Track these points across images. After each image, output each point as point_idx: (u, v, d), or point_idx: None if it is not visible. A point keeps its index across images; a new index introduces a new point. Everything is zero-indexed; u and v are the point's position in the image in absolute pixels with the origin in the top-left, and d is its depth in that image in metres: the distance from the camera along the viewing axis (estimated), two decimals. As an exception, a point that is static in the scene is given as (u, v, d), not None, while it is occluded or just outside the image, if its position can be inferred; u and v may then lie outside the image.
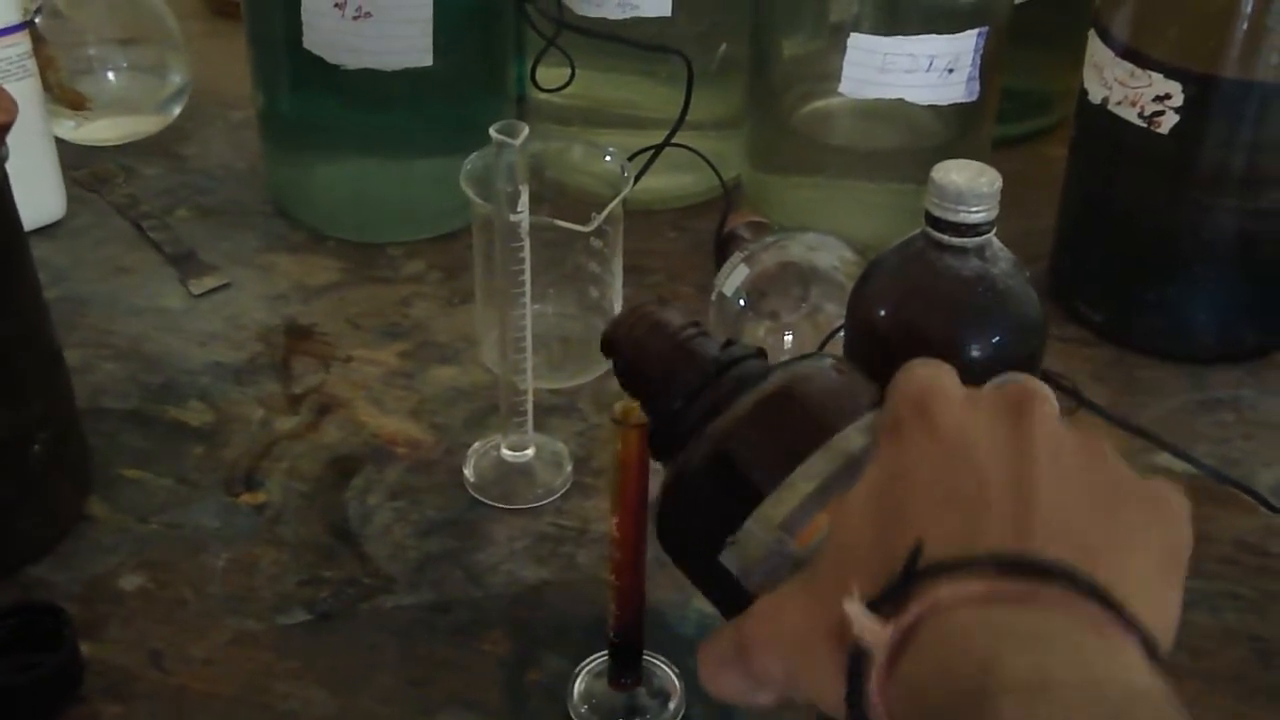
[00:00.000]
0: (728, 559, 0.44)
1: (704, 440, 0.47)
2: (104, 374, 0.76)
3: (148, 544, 0.66)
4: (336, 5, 0.78)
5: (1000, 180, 0.56)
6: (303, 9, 0.79)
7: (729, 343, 0.51)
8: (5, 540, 0.63)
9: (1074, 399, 0.71)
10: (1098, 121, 0.75)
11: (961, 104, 0.80)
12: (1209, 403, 0.76)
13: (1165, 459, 0.70)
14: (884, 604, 0.38)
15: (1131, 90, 0.72)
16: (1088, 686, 0.36)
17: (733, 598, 0.45)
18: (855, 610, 0.38)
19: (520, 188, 0.63)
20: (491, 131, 0.62)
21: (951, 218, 0.56)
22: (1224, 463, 0.72)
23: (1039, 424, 0.43)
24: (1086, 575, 0.38)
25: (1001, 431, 0.42)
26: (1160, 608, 0.41)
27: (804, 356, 0.50)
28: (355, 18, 0.78)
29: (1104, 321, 0.79)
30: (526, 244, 0.64)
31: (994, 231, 0.57)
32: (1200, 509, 0.68)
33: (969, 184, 0.56)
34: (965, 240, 0.56)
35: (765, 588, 0.43)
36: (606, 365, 0.76)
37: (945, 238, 0.57)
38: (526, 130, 0.62)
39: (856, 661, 0.38)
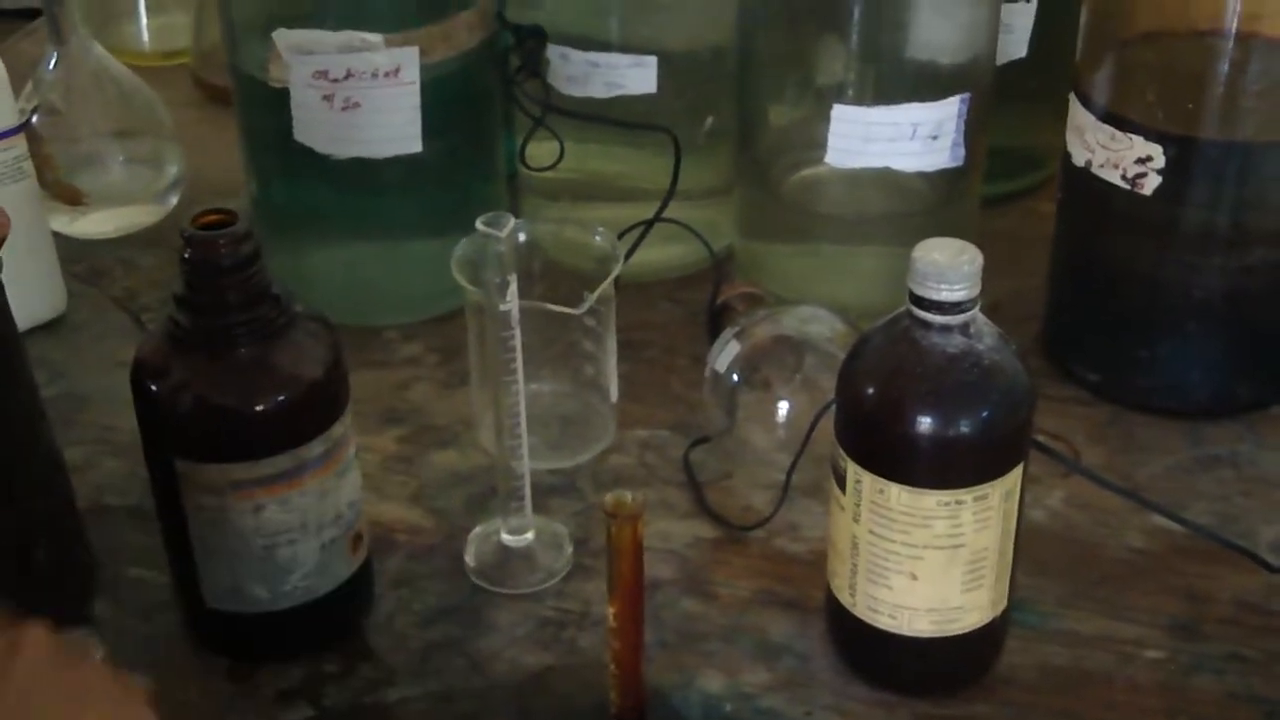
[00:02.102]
0: None
1: None
2: (106, 471, 0.76)
3: (152, 644, 0.67)
4: (325, 97, 0.79)
5: (981, 258, 0.57)
6: (292, 102, 0.80)
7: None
8: (10, 647, 0.64)
9: (1066, 464, 0.71)
10: (1082, 184, 0.76)
11: (948, 168, 0.81)
12: (1207, 459, 0.76)
13: (1161, 520, 0.71)
14: None
15: (1113, 153, 0.73)
16: None
17: None
18: None
19: (508, 277, 0.64)
20: (478, 224, 0.63)
21: (934, 296, 0.57)
22: (1223, 520, 0.72)
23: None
24: None
25: None
26: None
27: None
28: (344, 109, 0.79)
29: (1099, 380, 0.80)
30: (517, 331, 0.65)
31: (977, 307, 0.58)
32: (1200, 569, 0.69)
33: (950, 263, 0.56)
34: (949, 318, 0.57)
35: None
36: (605, 444, 0.77)
37: (929, 316, 0.57)
38: (512, 221, 0.63)
39: None
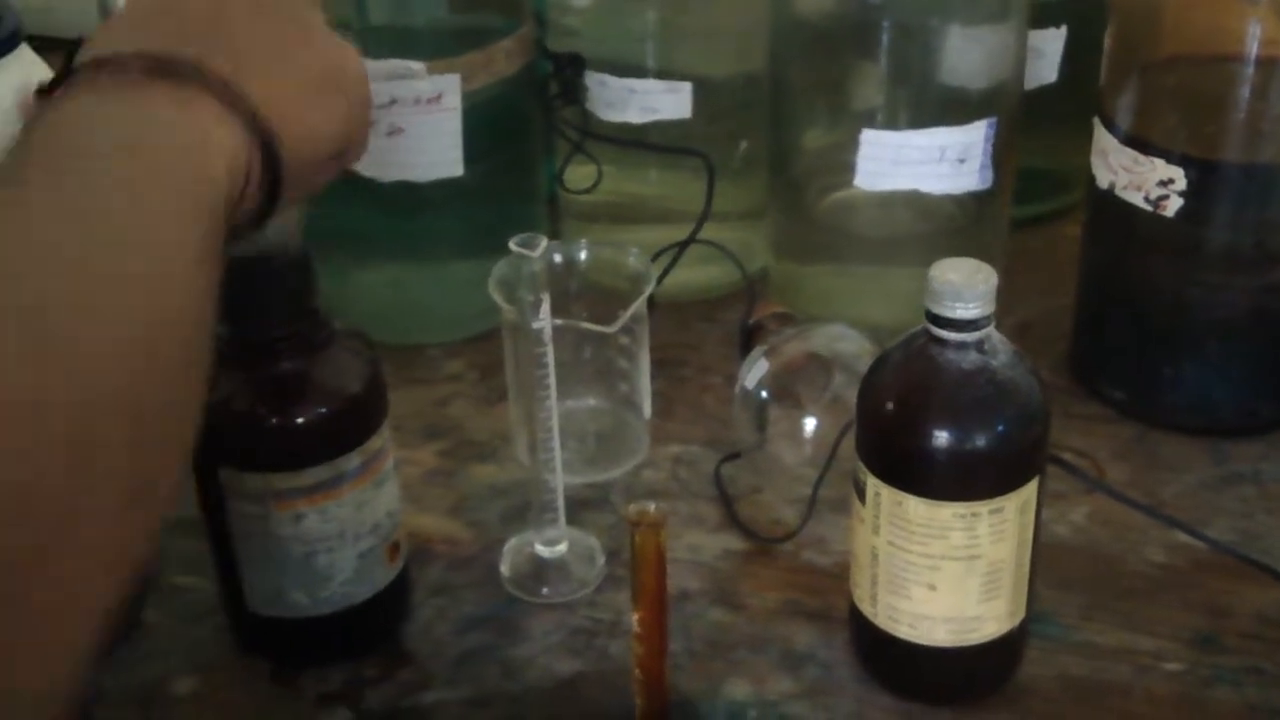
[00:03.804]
0: None
1: None
2: (158, 482, 0.79)
3: (199, 648, 0.69)
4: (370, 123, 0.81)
5: (995, 277, 0.58)
6: (338, 127, 0.82)
7: None
8: (63, 649, 0.66)
9: (1088, 482, 0.73)
10: (1107, 206, 0.77)
11: (977, 190, 0.83)
12: (1230, 477, 0.77)
13: (1183, 536, 0.72)
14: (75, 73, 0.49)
15: (1136, 175, 0.74)
16: (117, 150, 0.46)
17: None
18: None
19: (541, 296, 0.66)
20: (511, 244, 0.65)
21: (949, 314, 0.58)
22: (1246, 537, 0.73)
23: None
24: (215, 73, 0.49)
25: None
26: (298, 116, 0.53)
27: None
28: (388, 134, 0.82)
29: (1125, 399, 0.81)
30: (550, 349, 0.67)
31: (992, 324, 0.59)
32: (1221, 584, 0.70)
33: (965, 281, 0.58)
34: (964, 335, 0.59)
35: None
36: (639, 458, 0.80)
37: (945, 333, 0.59)
38: (545, 242, 0.66)
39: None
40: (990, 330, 0.59)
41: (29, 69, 0.82)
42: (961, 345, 0.59)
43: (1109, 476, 0.77)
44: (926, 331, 0.59)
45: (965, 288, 0.58)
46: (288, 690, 0.67)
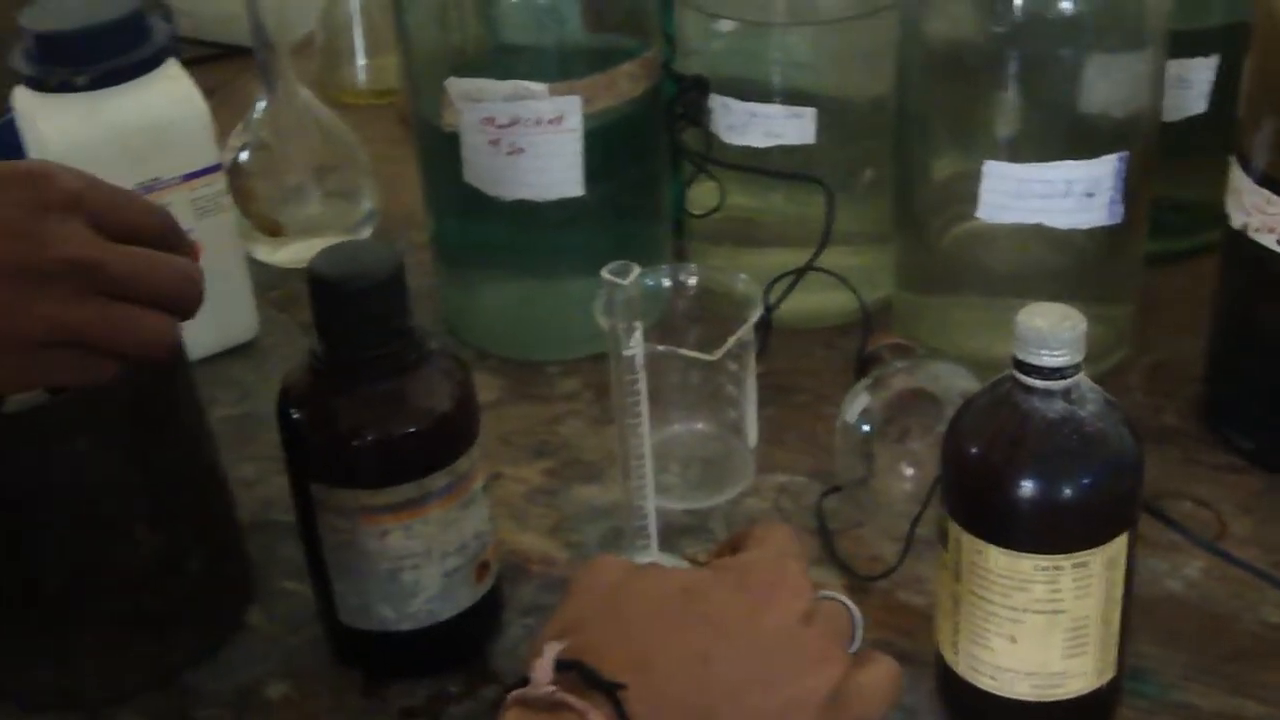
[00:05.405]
0: None
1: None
2: (275, 487, 0.81)
3: (296, 654, 0.71)
4: (492, 142, 0.83)
5: (1084, 324, 0.56)
6: (462, 146, 0.84)
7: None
8: (163, 651, 0.69)
9: (1194, 540, 0.69)
10: (1240, 247, 0.74)
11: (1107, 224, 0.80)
12: (1361, 535, 0.73)
13: (1297, 598, 0.68)
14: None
15: (1269, 217, 0.71)
16: None
17: None
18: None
19: (634, 324, 0.66)
20: (603, 273, 0.65)
21: (1035, 361, 0.57)
22: (1371, 601, 0.69)
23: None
24: None
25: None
26: None
27: None
28: (509, 153, 0.83)
29: (1254, 449, 0.77)
30: (641, 377, 0.67)
31: (1081, 372, 0.57)
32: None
33: (1052, 329, 0.56)
34: (1050, 383, 0.57)
35: None
36: (743, 486, 0.79)
37: (1031, 380, 0.57)
38: (636, 270, 0.65)
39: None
40: (1079, 378, 0.57)
41: (173, 84, 0.86)
42: (1047, 393, 0.57)
43: (1230, 529, 0.74)
44: (1012, 378, 0.58)
45: (1051, 334, 0.56)
46: (374, 702, 0.68)
